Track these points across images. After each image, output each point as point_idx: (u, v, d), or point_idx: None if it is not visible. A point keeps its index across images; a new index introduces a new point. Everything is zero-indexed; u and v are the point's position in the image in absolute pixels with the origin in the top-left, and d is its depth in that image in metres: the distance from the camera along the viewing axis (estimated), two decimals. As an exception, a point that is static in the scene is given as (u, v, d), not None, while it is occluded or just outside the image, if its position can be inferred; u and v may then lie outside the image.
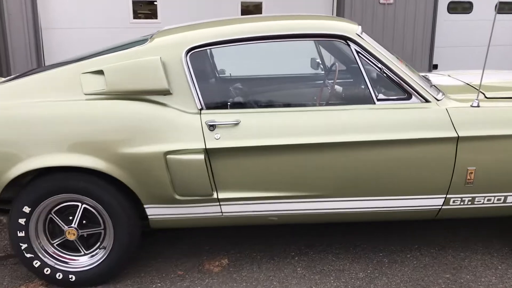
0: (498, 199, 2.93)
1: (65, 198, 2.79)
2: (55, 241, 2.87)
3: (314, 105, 2.97)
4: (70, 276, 2.85)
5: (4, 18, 6.82)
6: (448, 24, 8.16)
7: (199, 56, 2.94)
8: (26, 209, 2.75)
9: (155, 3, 7.36)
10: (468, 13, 8.21)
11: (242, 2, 7.63)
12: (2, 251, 3.38)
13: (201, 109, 2.78)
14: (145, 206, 2.82)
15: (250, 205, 2.86)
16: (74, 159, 2.69)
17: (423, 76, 3.25)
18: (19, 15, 6.87)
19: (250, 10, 7.85)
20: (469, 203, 2.93)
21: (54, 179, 2.75)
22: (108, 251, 2.85)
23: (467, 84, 3.37)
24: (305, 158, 2.78)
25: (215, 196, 2.81)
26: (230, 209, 2.86)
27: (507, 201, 2.94)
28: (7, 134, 2.69)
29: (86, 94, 2.77)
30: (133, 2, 7.29)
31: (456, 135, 2.77)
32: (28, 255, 2.82)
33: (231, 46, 2.86)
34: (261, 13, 7.80)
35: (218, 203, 2.83)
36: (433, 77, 3.67)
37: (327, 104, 3.00)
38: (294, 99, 3.12)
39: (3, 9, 6.78)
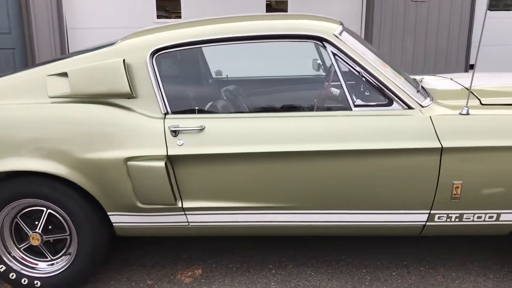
0: (490, 217, 2.65)
1: (30, 202, 2.74)
2: (21, 246, 2.83)
3: (285, 110, 2.78)
4: (35, 281, 2.81)
5: (31, 18, 6.96)
6: (487, 22, 7.66)
7: (166, 58, 2.82)
8: (-11, 213, 2.73)
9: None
10: (510, 9, 7.71)
11: (267, -1, 7.47)
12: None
13: (166, 114, 2.65)
14: (108, 213, 2.73)
15: (218, 215, 2.72)
16: (35, 164, 2.63)
17: (413, 79, 2.99)
18: (44, 16, 7.00)
19: (275, 7, 7.68)
20: (457, 220, 2.67)
21: (17, 183, 2.71)
22: (73, 258, 2.79)
23: (466, 88, 3.08)
24: (274, 167, 2.60)
25: (179, 205, 2.68)
26: (196, 219, 2.73)
27: (500, 219, 2.66)
28: None
29: (50, 97, 2.71)
30: (157, 1, 7.27)
31: (440, 146, 2.52)
32: (-7, 260, 2.80)
33: (199, 48, 2.73)
34: (286, 10, 7.61)
35: (183, 213, 2.71)
36: (434, 80, 3.40)
37: (300, 109, 2.81)
38: (263, 104, 2.94)
39: (30, 9, 6.93)
